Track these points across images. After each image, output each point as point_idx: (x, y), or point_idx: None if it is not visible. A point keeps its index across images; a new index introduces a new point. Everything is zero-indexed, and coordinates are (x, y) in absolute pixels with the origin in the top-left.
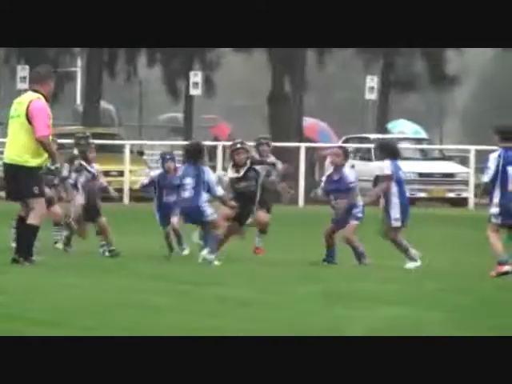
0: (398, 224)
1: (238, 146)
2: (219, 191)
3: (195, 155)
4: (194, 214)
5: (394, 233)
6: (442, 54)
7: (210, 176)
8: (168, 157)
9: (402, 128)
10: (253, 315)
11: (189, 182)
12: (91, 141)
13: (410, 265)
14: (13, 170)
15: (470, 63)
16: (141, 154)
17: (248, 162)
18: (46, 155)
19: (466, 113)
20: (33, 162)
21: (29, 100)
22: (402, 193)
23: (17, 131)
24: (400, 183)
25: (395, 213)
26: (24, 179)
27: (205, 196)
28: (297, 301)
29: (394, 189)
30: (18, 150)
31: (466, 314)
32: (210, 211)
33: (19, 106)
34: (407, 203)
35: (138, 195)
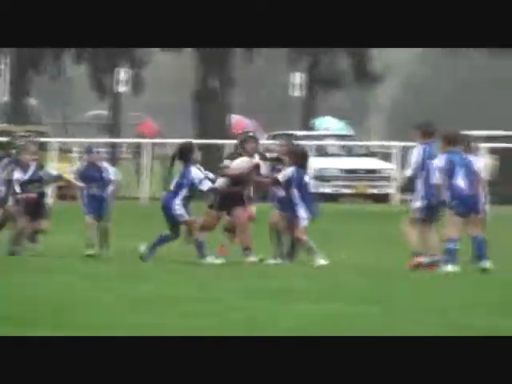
0: (305, 223)
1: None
2: (205, 185)
3: (185, 155)
4: (165, 212)
5: (300, 232)
6: (366, 52)
7: (197, 174)
8: (93, 149)
9: (328, 125)
10: (182, 310)
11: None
12: (33, 139)
13: (321, 261)
14: None
15: (394, 60)
16: (67, 152)
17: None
18: None
19: (391, 109)
20: None
21: None
22: (304, 195)
23: None
24: (300, 187)
25: (302, 213)
26: None
27: (181, 196)
28: (220, 296)
29: (296, 193)
30: None
31: (388, 308)
32: (180, 212)
33: None
34: (312, 201)
35: (63, 193)
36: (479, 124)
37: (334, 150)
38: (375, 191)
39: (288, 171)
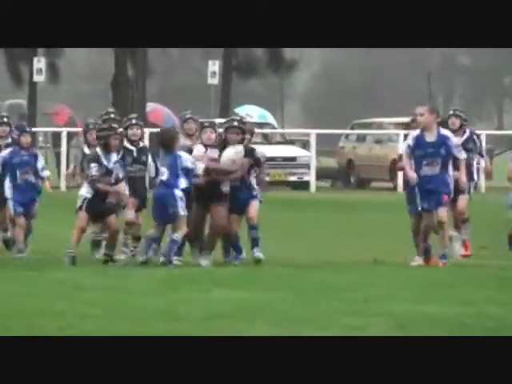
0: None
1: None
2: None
3: (168, 143)
4: (166, 200)
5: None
6: None
7: (188, 161)
8: (23, 129)
9: (249, 112)
10: (95, 299)
11: (164, 170)
12: None
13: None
14: None
15: (310, 48)
16: None
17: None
18: None
19: (307, 97)
20: None
21: None
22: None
23: None
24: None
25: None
26: None
27: (182, 184)
28: (140, 285)
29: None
30: None
31: (306, 295)
32: (181, 205)
33: None
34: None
35: None
36: (390, 111)
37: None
38: (294, 178)
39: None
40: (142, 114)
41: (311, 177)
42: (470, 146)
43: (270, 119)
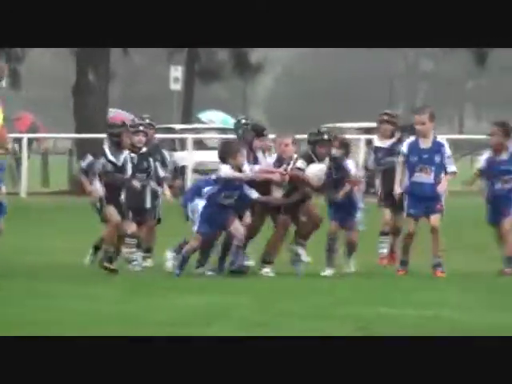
0: None
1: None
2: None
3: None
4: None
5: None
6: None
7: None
8: None
9: (212, 117)
10: (49, 305)
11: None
12: None
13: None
14: None
15: (273, 52)
16: None
17: None
18: None
19: (270, 102)
20: None
21: None
22: None
23: None
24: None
25: None
26: None
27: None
28: (102, 291)
29: None
30: None
31: (263, 300)
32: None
33: None
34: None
35: None
36: (353, 116)
37: (213, 143)
38: None
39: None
40: (104, 120)
41: None
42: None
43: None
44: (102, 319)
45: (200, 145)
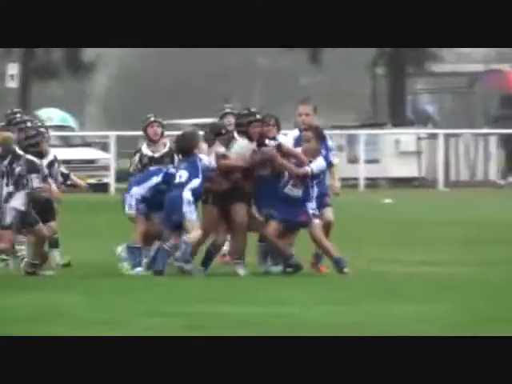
0: None
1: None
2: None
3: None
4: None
5: None
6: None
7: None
8: None
9: (51, 115)
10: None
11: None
12: None
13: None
14: None
15: (108, 50)
16: None
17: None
18: None
19: (107, 99)
20: None
21: None
22: None
23: None
24: None
25: None
26: None
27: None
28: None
29: None
30: None
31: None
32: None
33: None
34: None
35: None
36: (190, 113)
37: (52, 141)
38: (93, 181)
39: None
40: None
41: (111, 179)
42: None
43: (72, 122)
44: None
45: None
